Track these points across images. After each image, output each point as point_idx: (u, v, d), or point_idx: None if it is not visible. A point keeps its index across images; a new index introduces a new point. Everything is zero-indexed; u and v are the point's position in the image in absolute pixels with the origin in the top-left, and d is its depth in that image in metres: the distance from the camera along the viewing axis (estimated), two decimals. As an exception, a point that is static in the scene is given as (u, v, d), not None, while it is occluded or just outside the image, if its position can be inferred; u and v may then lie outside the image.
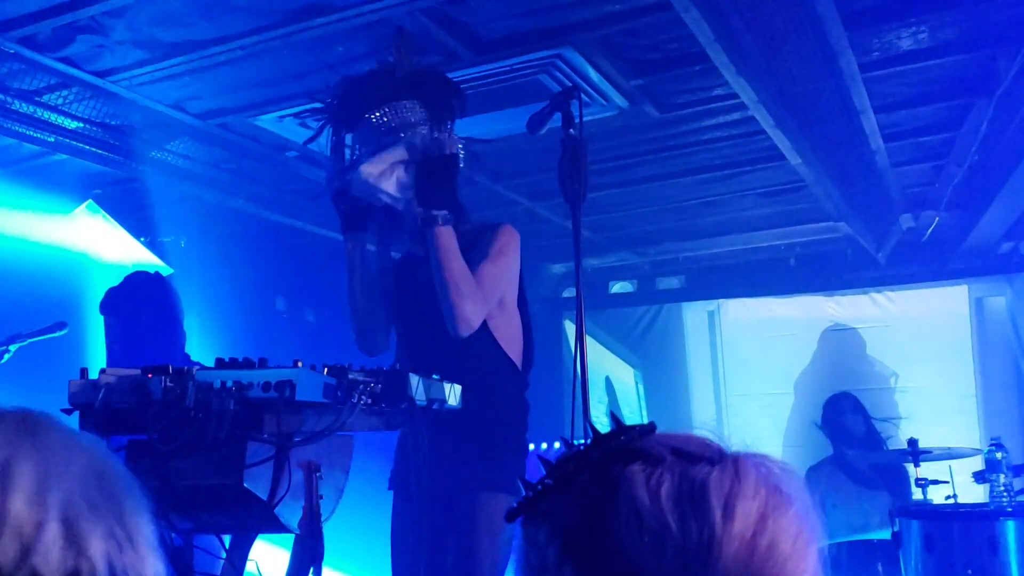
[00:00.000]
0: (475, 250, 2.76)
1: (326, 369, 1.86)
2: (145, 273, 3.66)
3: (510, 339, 2.88)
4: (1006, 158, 4.41)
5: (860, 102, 3.78)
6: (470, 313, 2.63)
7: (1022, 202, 4.95)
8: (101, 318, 3.51)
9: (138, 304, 3.49)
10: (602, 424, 0.86)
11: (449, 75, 3.54)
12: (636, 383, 7.37)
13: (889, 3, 3.26)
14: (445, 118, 2.79)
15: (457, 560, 2.60)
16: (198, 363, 3.57)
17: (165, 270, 4.82)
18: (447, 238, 2.65)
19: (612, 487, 0.77)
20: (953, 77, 3.87)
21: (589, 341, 2.62)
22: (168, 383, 1.67)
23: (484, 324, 2.74)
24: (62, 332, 3.66)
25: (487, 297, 2.70)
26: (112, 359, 3.45)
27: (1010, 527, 3.75)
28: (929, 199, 5.49)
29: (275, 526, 1.84)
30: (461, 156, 2.81)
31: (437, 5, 3.12)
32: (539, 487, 0.82)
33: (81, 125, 3.85)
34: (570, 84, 3.54)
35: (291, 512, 1.83)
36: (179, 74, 3.52)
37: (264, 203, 4.69)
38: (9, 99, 3.52)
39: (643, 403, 7.32)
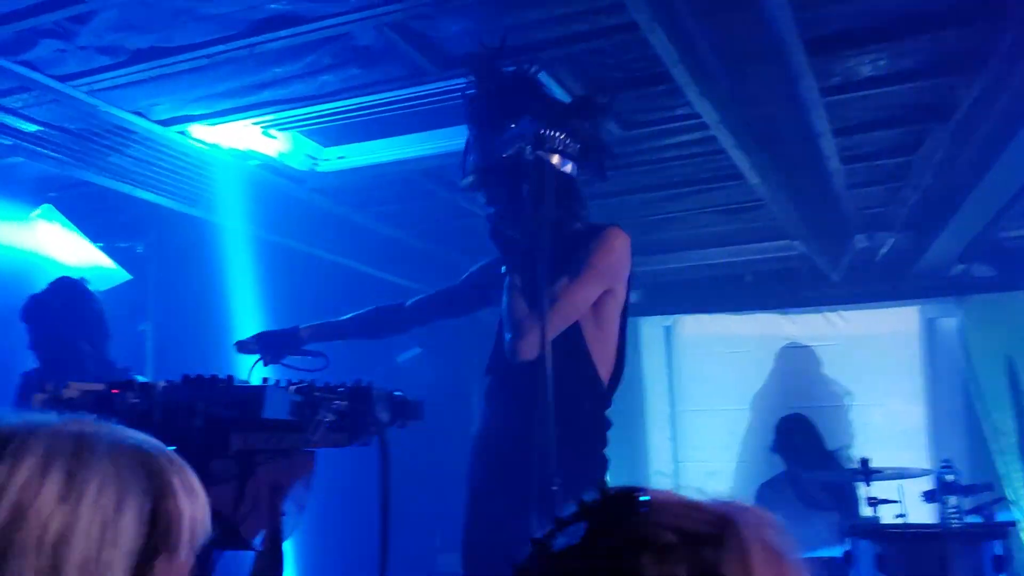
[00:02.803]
0: (573, 259, 2.71)
1: (292, 387, 1.85)
2: (68, 280, 3.64)
3: (603, 356, 2.80)
4: (961, 182, 4.52)
5: (820, 125, 3.85)
6: (523, 347, 2.60)
7: (975, 226, 5.08)
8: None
9: (56, 312, 3.47)
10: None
11: (414, 88, 3.58)
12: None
13: (850, 31, 3.33)
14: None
15: None
16: (129, 369, 3.55)
17: (121, 275, 4.75)
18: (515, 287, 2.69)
19: None
20: (911, 103, 3.96)
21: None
22: (133, 399, 1.65)
23: (581, 339, 2.72)
24: None
25: (556, 324, 2.59)
26: (32, 367, 3.46)
27: (958, 548, 3.83)
28: (884, 220, 5.60)
29: (237, 543, 1.82)
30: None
31: (403, 20, 3.12)
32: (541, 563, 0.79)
33: (40, 129, 3.78)
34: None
35: (254, 529, 1.81)
36: (142, 81, 3.47)
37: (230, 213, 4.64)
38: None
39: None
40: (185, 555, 0.97)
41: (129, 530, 0.90)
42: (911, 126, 4.21)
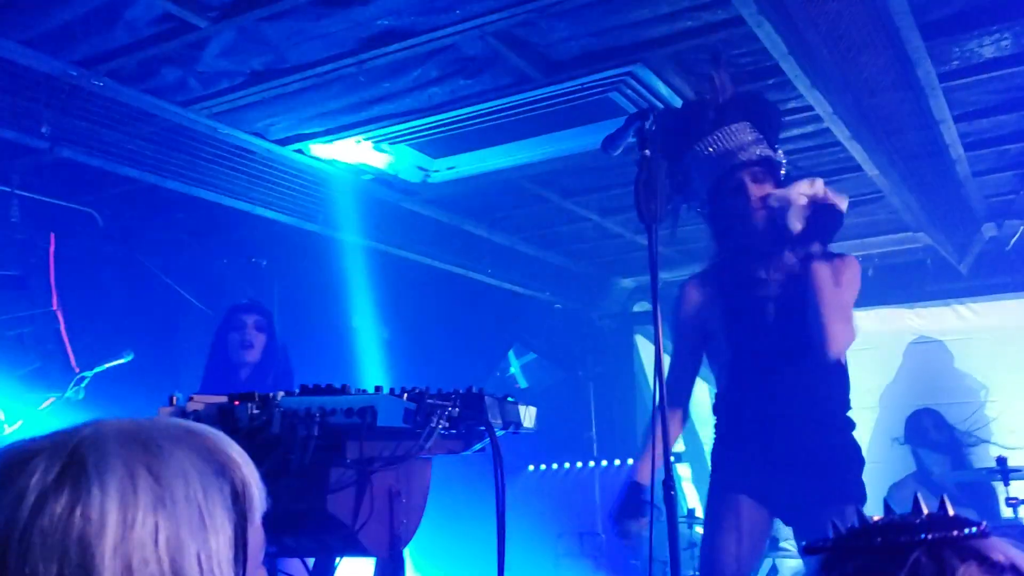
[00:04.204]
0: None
1: (405, 394, 1.89)
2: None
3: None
4: (1095, 165, 4.25)
5: (939, 112, 3.69)
6: (841, 337, 2.75)
7: (1114, 210, 4.77)
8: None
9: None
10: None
11: (519, 96, 3.61)
12: (710, 398, 7.27)
13: (969, 11, 3.18)
14: (777, 137, 2.95)
15: None
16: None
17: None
18: (826, 270, 2.77)
19: None
20: (1037, 84, 3.75)
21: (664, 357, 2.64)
22: (254, 410, 1.72)
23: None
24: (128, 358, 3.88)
25: (853, 325, 2.82)
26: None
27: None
28: (1013, 208, 5.31)
29: (358, 550, 1.87)
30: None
31: (507, 28, 3.15)
32: (858, 543, 0.82)
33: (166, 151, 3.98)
34: (643, 102, 3.55)
35: (373, 536, 1.86)
36: (259, 102, 3.62)
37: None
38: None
39: (718, 418, 7.21)
40: (259, 519, 0.99)
41: (222, 513, 0.91)
42: (1039, 108, 3.98)
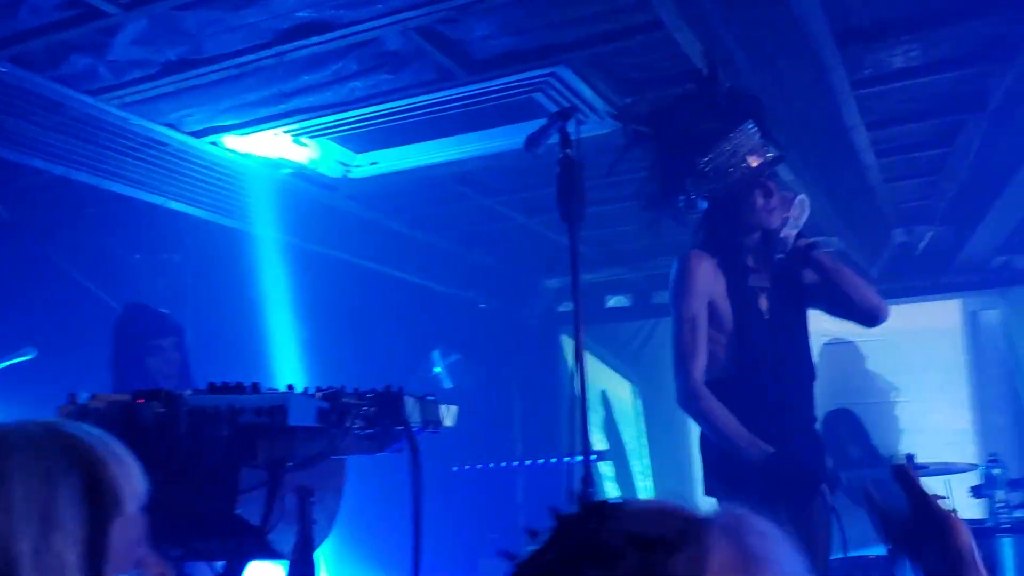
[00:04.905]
0: None
1: (320, 393, 1.85)
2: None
3: None
4: (998, 173, 4.43)
5: (851, 118, 3.79)
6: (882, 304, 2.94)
7: (1015, 216, 4.97)
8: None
9: None
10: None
11: (442, 93, 3.59)
12: (634, 397, 7.36)
13: (882, 21, 3.27)
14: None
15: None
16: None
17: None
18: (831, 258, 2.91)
19: None
20: (945, 93, 3.89)
21: (586, 356, 2.62)
22: (159, 409, 1.66)
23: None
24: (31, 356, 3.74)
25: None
26: None
27: (1007, 543, 3.76)
28: (922, 214, 5.50)
29: (268, 553, 1.83)
30: None
31: (429, 24, 3.13)
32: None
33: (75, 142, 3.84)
34: (566, 102, 3.55)
35: (284, 538, 1.81)
36: (173, 93, 3.52)
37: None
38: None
39: (641, 418, 7.30)
40: (134, 511, 1.02)
41: (70, 511, 0.94)
42: (946, 117, 4.13)
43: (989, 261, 5.84)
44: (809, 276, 2.90)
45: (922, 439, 5.65)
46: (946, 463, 4.53)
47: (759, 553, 0.75)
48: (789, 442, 2.69)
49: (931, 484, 4.47)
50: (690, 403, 2.72)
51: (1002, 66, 3.55)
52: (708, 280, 2.79)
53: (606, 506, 0.79)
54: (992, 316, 6.11)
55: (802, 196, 2.87)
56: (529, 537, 0.80)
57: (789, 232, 2.85)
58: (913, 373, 6.22)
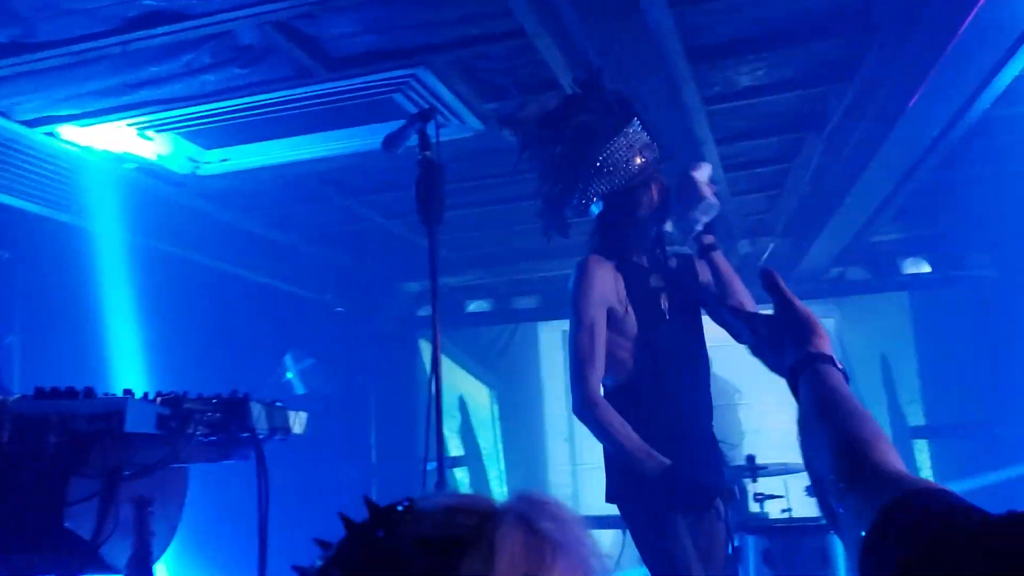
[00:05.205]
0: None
1: (160, 398, 1.76)
2: None
3: None
4: (835, 188, 4.70)
5: (702, 133, 3.93)
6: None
7: (849, 230, 5.28)
8: None
9: None
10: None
11: (299, 90, 3.50)
12: (491, 402, 7.40)
13: (731, 40, 3.41)
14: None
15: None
16: None
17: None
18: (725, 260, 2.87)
19: None
20: (788, 112, 4.09)
21: (444, 361, 2.58)
22: (-22, 416, 1.54)
23: None
24: None
25: None
26: None
27: (839, 540, 3.96)
28: (766, 226, 5.77)
29: (101, 567, 1.72)
30: None
31: (287, 19, 3.04)
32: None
33: None
34: (426, 104, 3.53)
35: (119, 551, 1.71)
36: (3, 79, 3.28)
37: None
38: None
39: (497, 422, 7.35)
40: None
41: None
42: (789, 135, 4.35)
43: (825, 272, 6.18)
44: (704, 275, 2.88)
45: (762, 440, 5.90)
46: (785, 463, 4.74)
47: (554, 537, 0.75)
48: (692, 447, 2.67)
49: (770, 484, 4.69)
50: (584, 412, 2.67)
51: (841, 87, 3.76)
52: (606, 285, 2.74)
53: (394, 511, 0.77)
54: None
55: (709, 200, 2.81)
56: (320, 548, 0.78)
57: (699, 222, 2.82)
58: (755, 377, 6.47)
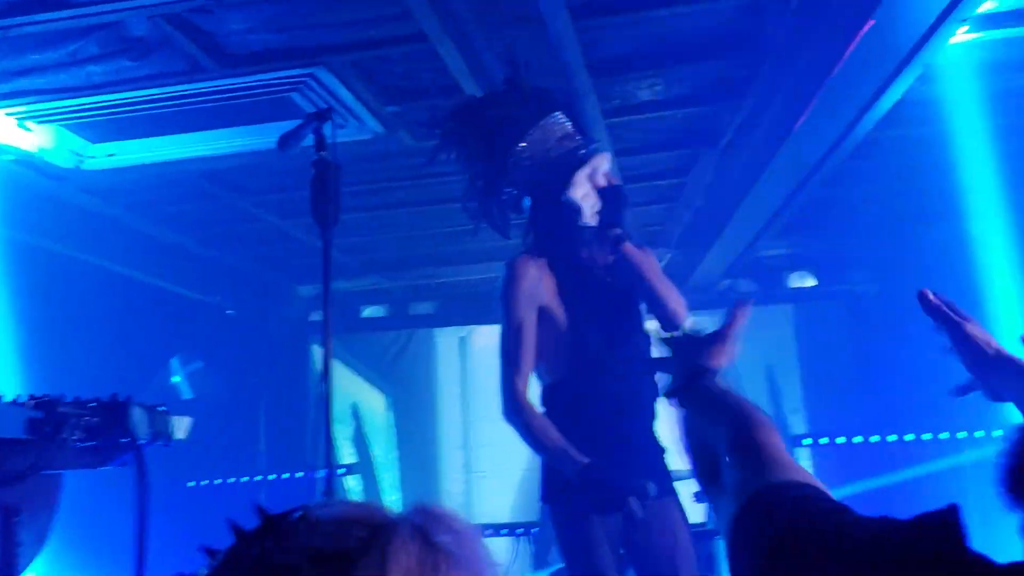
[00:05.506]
0: None
1: (33, 401, 1.67)
2: None
3: None
4: (726, 203, 4.84)
5: (602, 144, 3.99)
6: (684, 309, 2.80)
7: (739, 244, 5.44)
8: None
9: None
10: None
11: (191, 85, 3.40)
12: (386, 409, 7.33)
13: (630, 55, 3.48)
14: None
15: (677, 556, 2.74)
16: None
17: None
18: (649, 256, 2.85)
19: None
20: (684, 128, 4.19)
21: (338, 367, 2.53)
22: None
23: None
24: None
25: None
26: None
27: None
28: (662, 238, 5.89)
29: (-39, 580, 1.62)
30: None
31: (180, 12, 2.95)
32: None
33: None
34: (324, 105, 3.47)
35: (-19, 564, 1.62)
36: None
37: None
38: None
39: (393, 430, 7.27)
40: None
41: None
42: (684, 149, 4.46)
43: (716, 284, 6.35)
44: (646, 268, 2.81)
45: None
46: (675, 471, 4.85)
47: (450, 550, 0.74)
48: (619, 446, 2.64)
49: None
50: (510, 415, 2.65)
51: (734, 105, 3.88)
52: (535, 284, 2.69)
53: (285, 520, 0.75)
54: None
55: (616, 184, 2.82)
56: (207, 557, 0.75)
57: (594, 218, 2.76)
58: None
